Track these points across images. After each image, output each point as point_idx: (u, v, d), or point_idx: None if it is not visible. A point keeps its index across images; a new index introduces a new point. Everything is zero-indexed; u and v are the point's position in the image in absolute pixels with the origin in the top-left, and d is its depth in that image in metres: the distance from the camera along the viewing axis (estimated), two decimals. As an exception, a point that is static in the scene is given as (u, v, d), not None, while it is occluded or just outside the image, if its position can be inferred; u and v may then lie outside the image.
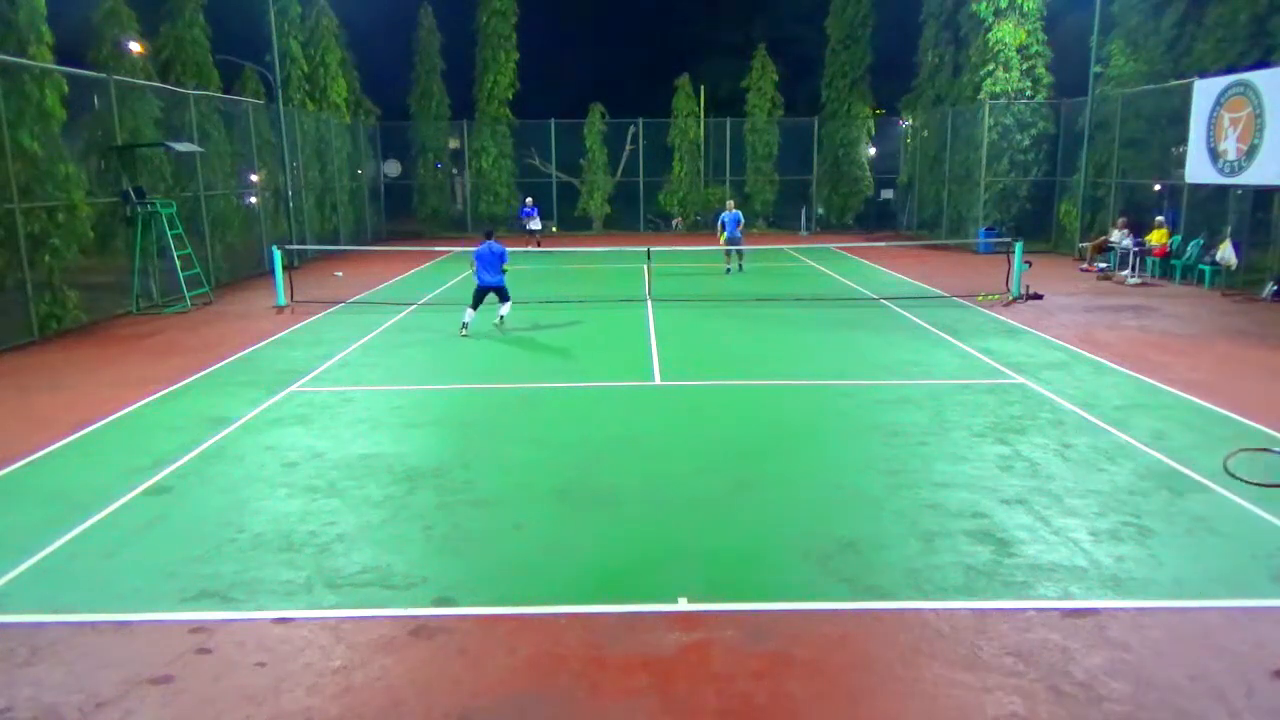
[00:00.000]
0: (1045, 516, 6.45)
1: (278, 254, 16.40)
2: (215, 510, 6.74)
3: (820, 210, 34.14)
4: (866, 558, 5.84)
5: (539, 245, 25.57)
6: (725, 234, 20.28)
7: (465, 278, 20.48)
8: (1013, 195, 25.88)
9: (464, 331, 13.33)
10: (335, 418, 9.15)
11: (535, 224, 26.31)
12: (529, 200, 27.07)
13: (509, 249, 14.34)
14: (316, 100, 26.62)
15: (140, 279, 15.92)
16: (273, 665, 4.67)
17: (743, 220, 20.68)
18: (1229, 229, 17.44)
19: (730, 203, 22.07)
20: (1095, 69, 22.49)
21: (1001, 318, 14.31)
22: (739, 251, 21.02)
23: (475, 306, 13.50)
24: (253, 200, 22.30)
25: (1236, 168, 17.09)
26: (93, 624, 5.10)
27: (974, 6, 25.31)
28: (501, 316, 13.64)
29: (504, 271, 13.51)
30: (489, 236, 13.72)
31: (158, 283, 16.70)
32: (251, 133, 21.81)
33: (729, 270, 20.84)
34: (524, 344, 12.84)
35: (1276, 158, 15.96)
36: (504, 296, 13.60)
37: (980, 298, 16.23)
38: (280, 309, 15.89)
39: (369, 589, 5.48)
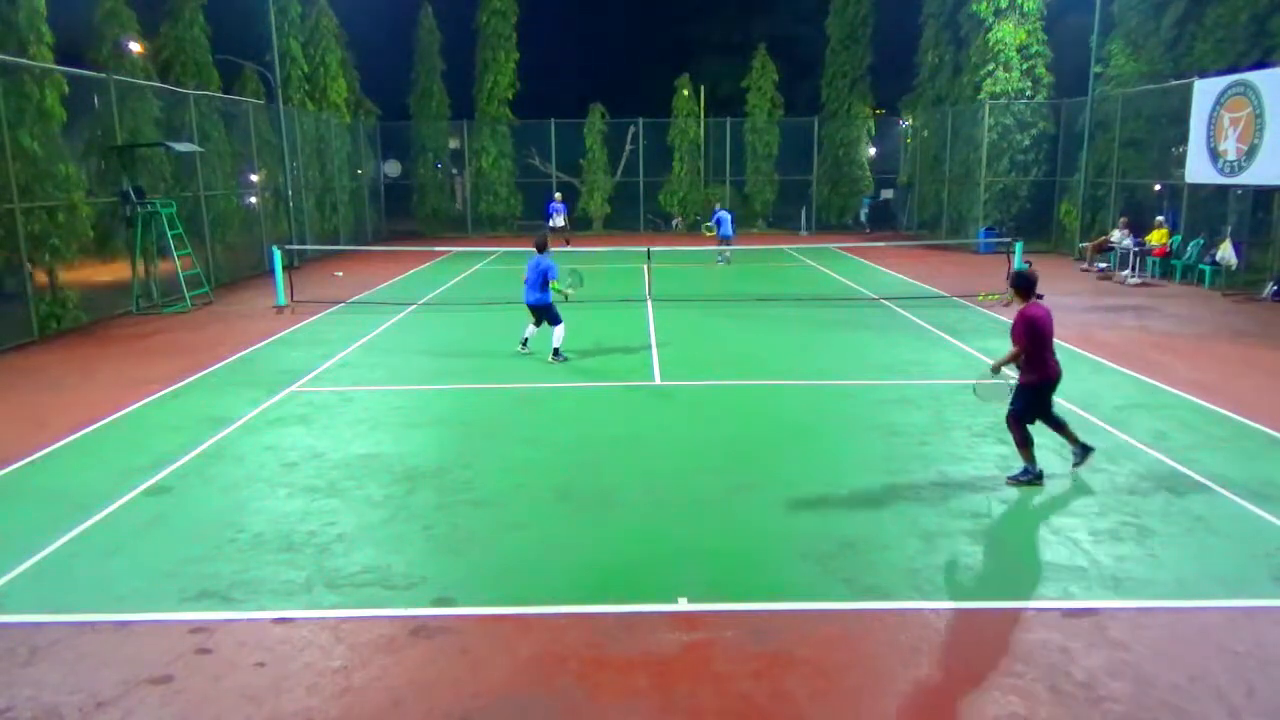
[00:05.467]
0: (1045, 516, 6.45)
1: (278, 254, 16.41)
2: (215, 510, 6.74)
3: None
4: (866, 558, 5.84)
5: (567, 243, 25.70)
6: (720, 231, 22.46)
7: (465, 278, 20.58)
8: (1013, 195, 25.88)
9: (521, 348, 11.94)
10: (335, 418, 9.15)
11: (558, 220, 26.25)
12: (558, 196, 26.92)
13: (554, 248, 12.09)
14: (316, 100, 26.63)
15: (140, 279, 15.92)
16: (273, 665, 4.67)
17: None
18: (1229, 229, 17.44)
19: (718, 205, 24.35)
20: (1095, 69, 22.49)
21: (1002, 318, 14.32)
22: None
23: (536, 324, 11.92)
24: (253, 200, 22.31)
25: (1236, 168, 17.09)
26: (93, 624, 5.10)
27: (974, 6, 25.31)
28: (554, 349, 11.51)
29: (550, 289, 11.47)
30: (538, 249, 11.68)
31: (158, 283, 16.70)
32: (251, 133, 21.82)
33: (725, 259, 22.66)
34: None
35: (1276, 158, 15.96)
36: (551, 320, 11.64)
37: (980, 298, 16.23)
38: (280, 309, 15.89)
39: (369, 589, 5.48)
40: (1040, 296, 7.14)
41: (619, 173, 34.70)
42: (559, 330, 11.65)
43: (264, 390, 10.21)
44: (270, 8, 23.06)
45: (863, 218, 34.08)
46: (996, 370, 7.31)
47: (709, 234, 23.14)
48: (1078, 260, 22.18)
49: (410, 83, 33.73)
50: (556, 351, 11.57)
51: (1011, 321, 7.11)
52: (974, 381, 7.74)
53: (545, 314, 11.72)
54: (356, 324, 14.53)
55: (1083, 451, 7.24)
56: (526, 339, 12.09)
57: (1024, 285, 7.09)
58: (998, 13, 24.80)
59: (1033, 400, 7.06)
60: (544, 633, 4.98)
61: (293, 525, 6.43)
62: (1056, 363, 7.10)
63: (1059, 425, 7.19)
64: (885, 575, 5.59)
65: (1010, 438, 7.20)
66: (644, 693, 4.41)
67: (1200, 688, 4.40)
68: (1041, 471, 7.09)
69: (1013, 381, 7.19)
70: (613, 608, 5.21)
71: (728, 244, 22.47)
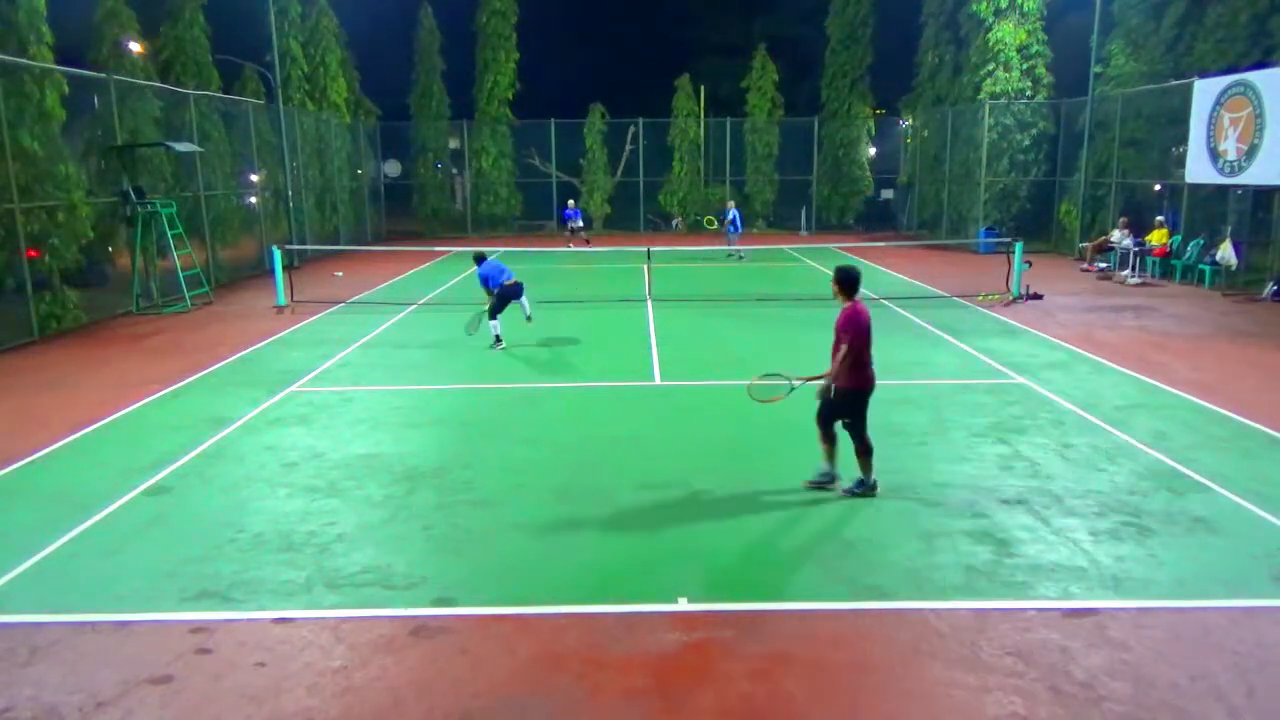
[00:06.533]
0: (1045, 516, 6.45)
1: (278, 254, 16.41)
2: (215, 510, 6.74)
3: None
4: (866, 558, 5.84)
5: (588, 243, 26.37)
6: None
7: (465, 277, 20.54)
8: (1013, 195, 25.89)
9: (500, 345, 12.47)
10: (335, 418, 9.15)
11: (578, 223, 26.88)
12: (571, 203, 27.65)
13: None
14: (316, 100, 26.63)
15: (140, 279, 15.93)
16: (273, 665, 4.67)
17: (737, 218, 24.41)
18: (1229, 229, 17.45)
19: (731, 203, 25.55)
20: (1095, 69, 22.49)
21: (1002, 318, 14.31)
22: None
23: (494, 314, 12.58)
24: (253, 200, 22.31)
25: (1236, 168, 17.09)
26: (93, 624, 5.10)
27: (974, 6, 25.32)
28: (496, 337, 12.62)
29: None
30: (480, 259, 12.98)
31: (158, 283, 16.70)
32: (251, 133, 21.82)
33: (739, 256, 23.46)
34: (524, 344, 12.83)
35: (1276, 158, 15.96)
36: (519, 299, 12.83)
37: (980, 298, 16.23)
38: (280, 309, 15.89)
39: (369, 589, 5.48)
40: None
41: (619, 173, 34.71)
42: (526, 301, 12.88)
43: (264, 390, 10.21)
44: (270, 8, 23.07)
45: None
46: (828, 387, 6.73)
47: (710, 226, 23.60)
48: (1078, 260, 22.18)
49: (410, 83, 33.73)
50: (528, 317, 12.98)
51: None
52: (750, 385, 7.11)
53: (519, 293, 12.75)
54: (356, 324, 14.53)
55: (830, 479, 6.96)
56: (499, 335, 12.61)
57: (848, 282, 6.92)
58: (998, 13, 24.81)
59: (843, 406, 6.75)
60: (544, 633, 4.98)
61: (293, 525, 6.43)
62: (873, 373, 6.81)
63: (865, 451, 6.82)
64: (885, 575, 5.59)
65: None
66: (644, 693, 4.41)
67: (1200, 688, 4.40)
68: (836, 475, 6.92)
69: (795, 383, 7.00)
70: (613, 608, 5.21)
71: (732, 240, 23.68)
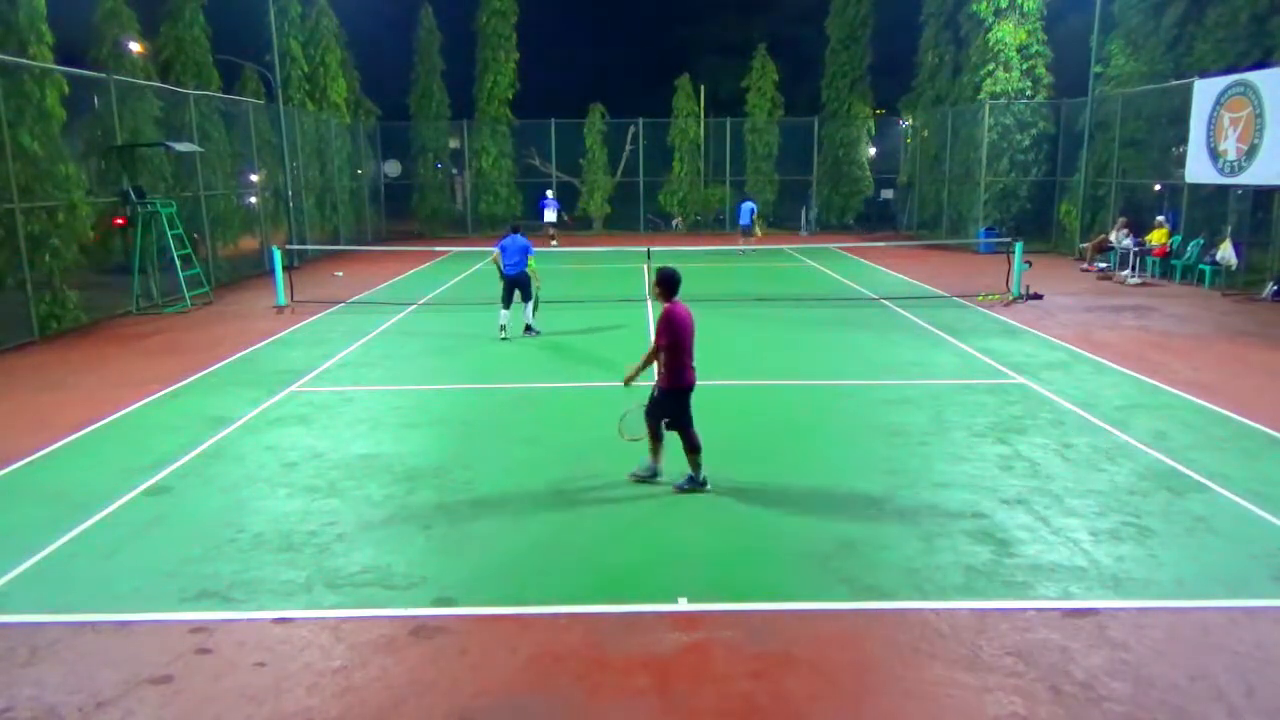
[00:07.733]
0: (1045, 516, 6.45)
1: (278, 254, 16.41)
2: (215, 510, 6.75)
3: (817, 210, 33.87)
4: (866, 558, 5.84)
5: (553, 240, 26.10)
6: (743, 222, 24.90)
7: (465, 278, 20.57)
8: (1013, 195, 25.90)
9: (501, 334, 13.01)
10: (335, 418, 9.15)
11: (551, 215, 26.61)
12: (549, 193, 27.54)
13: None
14: (316, 100, 26.63)
15: (140, 279, 15.93)
16: (273, 665, 4.67)
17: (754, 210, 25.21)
18: (1229, 229, 17.45)
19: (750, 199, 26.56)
20: (1095, 69, 22.49)
21: (1002, 318, 14.31)
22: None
23: (508, 303, 13.03)
24: (253, 200, 22.31)
25: (1236, 168, 17.09)
26: (93, 624, 5.10)
27: (974, 6, 25.33)
28: (526, 325, 13.10)
29: (528, 264, 12.91)
30: (514, 230, 13.20)
31: (158, 283, 16.70)
32: (251, 133, 21.82)
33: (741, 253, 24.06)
34: (524, 344, 12.83)
35: (1276, 158, 15.96)
36: (526, 294, 13.02)
37: (980, 298, 16.23)
38: (280, 309, 15.89)
39: (369, 589, 5.48)
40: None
41: (619, 173, 34.71)
42: (529, 307, 13.12)
43: (264, 390, 10.21)
44: (270, 8, 23.06)
45: (804, 221, 32.63)
46: (629, 382, 7.03)
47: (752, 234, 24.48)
48: (1077, 260, 22.18)
49: (410, 83, 33.74)
50: (529, 327, 13.13)
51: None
52: (621, 419, 7.26)
53: (524, 286, 12.92)
54: (356, 324, 14.53)
55: (652, 474, 7.11)
56: (504, 325, 13.05)
57: (667, 284, 6.92)
58: (998, 13, 24.83)
59: (664, 404, 6.90)
60: (544, 633, 4.98)
61: (293, 525, 6.43)
62: (693, 371, 6.92)
63: (693, 448, 6.93)
64: (885, 575, 5.59)
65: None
66: (644, 693, 4.41)
67: (1200, 688, 4.40)
68: (659, 471, 7.07)
69: (642, 403, 7.10)
70: (613, 608, 5.21)
71: (746, 235, 24.38)
